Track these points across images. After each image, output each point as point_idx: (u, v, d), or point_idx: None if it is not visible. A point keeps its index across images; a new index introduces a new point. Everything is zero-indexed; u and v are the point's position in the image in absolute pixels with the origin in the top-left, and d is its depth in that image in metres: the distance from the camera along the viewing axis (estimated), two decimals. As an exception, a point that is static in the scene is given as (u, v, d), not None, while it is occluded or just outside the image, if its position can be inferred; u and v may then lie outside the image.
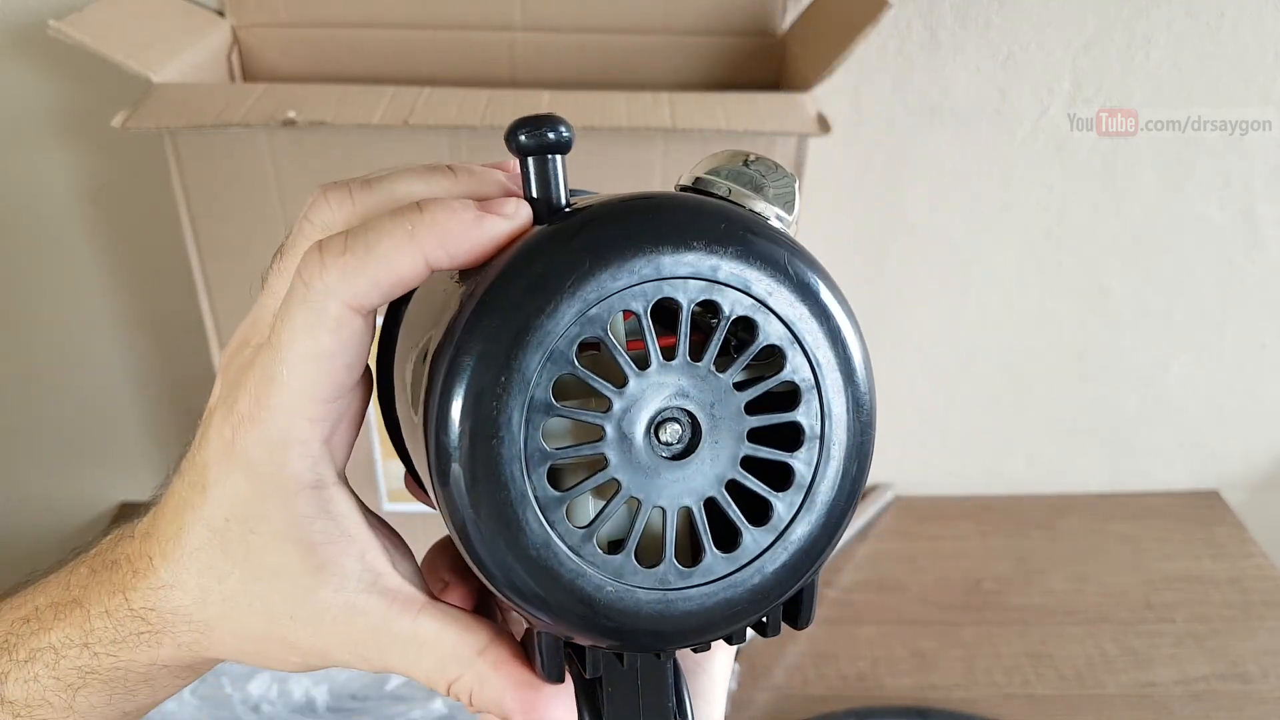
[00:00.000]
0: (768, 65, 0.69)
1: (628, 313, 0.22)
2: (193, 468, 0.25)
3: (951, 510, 0.92)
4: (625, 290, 0.21)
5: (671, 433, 0.22)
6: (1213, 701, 0.73)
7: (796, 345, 0.23)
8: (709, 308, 0.22)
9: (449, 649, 0.24)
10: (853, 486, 0.24)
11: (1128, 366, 0.88)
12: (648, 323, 0.22)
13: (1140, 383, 0.89)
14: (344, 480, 0.25)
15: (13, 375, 0.84)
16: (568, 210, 0.23)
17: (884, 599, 0.82)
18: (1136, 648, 0.78)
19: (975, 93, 0.74)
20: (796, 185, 0.25)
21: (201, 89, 0.59)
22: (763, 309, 0.22)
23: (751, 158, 0.25)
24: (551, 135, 0.22)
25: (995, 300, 0.84)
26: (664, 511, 0.22)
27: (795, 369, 0.23)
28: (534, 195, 0.23)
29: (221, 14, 0.67)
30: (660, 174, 0.58)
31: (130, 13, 0.61)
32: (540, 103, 0.55)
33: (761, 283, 0.22)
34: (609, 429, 0.22)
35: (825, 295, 0.23)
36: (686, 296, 0.22)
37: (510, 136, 0.23)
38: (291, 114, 0.53)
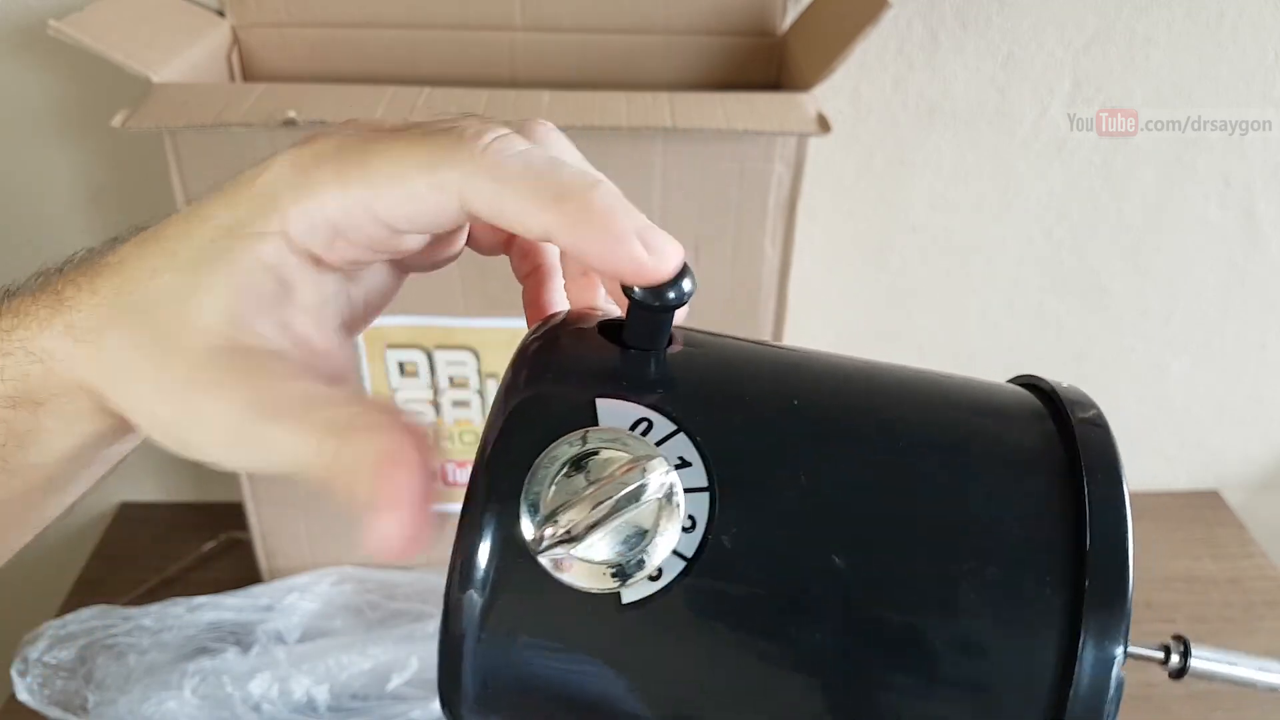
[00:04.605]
0: (768, 65, 0.69)
1: None
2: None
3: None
4: None
5: None
6: (1213, 701, 0.73)
7: None
8: None
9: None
10: None
11: (1128, 366, 0.88)
12: None
13: (1140, 383, 0.89)
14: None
15: (13, 375, 0.83)
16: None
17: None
18: (1136, 648, 0.78)
19: (975, 93, 0.74)
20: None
21: (201, 89, 0.59)
22: None
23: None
24: (672, 296, 0.22)
25: (995, 300, 0.84)
26: None
27: None
28: (632, 339, 0.24)
29: (221, 14, 0.67)
30: (660, 173, 0.58)
31: (130, 13, 0.61)
32: (540, 103, 0.55)
33: None
34: None
35: None
36: None
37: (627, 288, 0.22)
38: (291, 114, 0.53)
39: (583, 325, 0.25)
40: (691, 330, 0.25)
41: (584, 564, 0.20)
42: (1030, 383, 0.26)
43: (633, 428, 0.21)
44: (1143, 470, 0.94)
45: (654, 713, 0.21)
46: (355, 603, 0.73)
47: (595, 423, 0.21)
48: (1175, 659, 0.23)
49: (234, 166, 0.25)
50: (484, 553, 0.21)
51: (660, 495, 0.20)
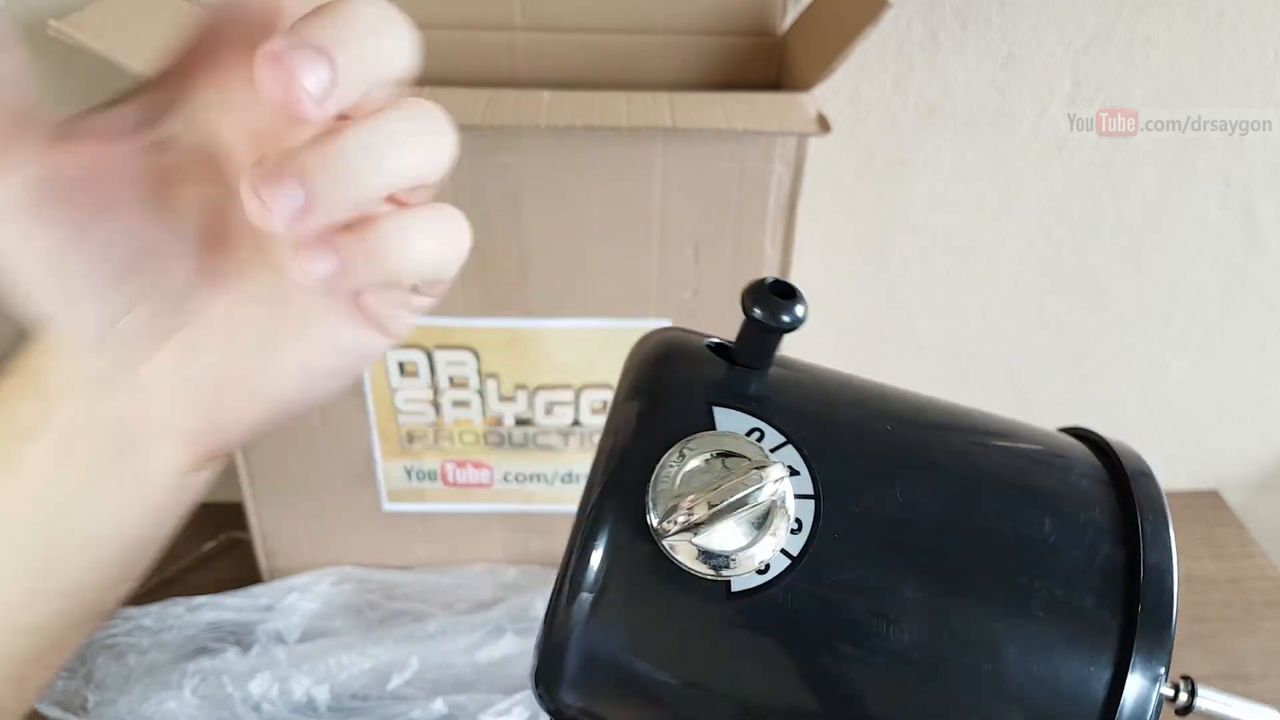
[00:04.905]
0: (768, 65, 0.69)
1: None
2: None
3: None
4: None
5: None
6: (1213, 701, 0.73)
7: None
8: None
9: None
10: None
11: (1128, 366, 0.88)
12: None
13: (1140, 383, 0.89)
14: None
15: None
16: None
17: (884, 599, 0.82)
18: (1136, 648, 0.78)
19: (975, 93, 0.74)
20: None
21: (202, 89, 0.59)
22: None
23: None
24: (788, 319, 0.25)
25: (995, 300, 0.84)
26: None
27: None
28: (742, 357, 0.26)
29: (222, 14, 0.67)
30: (660, 173, 0.58)
31: (130, 13, 0.61)
32: (540, 102, 0.55)
33: None
34: None
35: None
36: None
37: (749, 305, 0.25)
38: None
39: (693, 340, 0.27)
40: (784, 355, 0.27)
41: (701, 552, 0.23)
42: (1079, 433, 0.29)
43: (747, 435, 0.24)
44: (1143, 470, 0.94)
45: (747, 697, 0.23)
46: (355, 603, 0.73)
47: (714, 428, 0.24)
48: (1184, 696, 0.26)
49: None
50: (606, 536, 0.23)
51: (774, 498, 0.23)
